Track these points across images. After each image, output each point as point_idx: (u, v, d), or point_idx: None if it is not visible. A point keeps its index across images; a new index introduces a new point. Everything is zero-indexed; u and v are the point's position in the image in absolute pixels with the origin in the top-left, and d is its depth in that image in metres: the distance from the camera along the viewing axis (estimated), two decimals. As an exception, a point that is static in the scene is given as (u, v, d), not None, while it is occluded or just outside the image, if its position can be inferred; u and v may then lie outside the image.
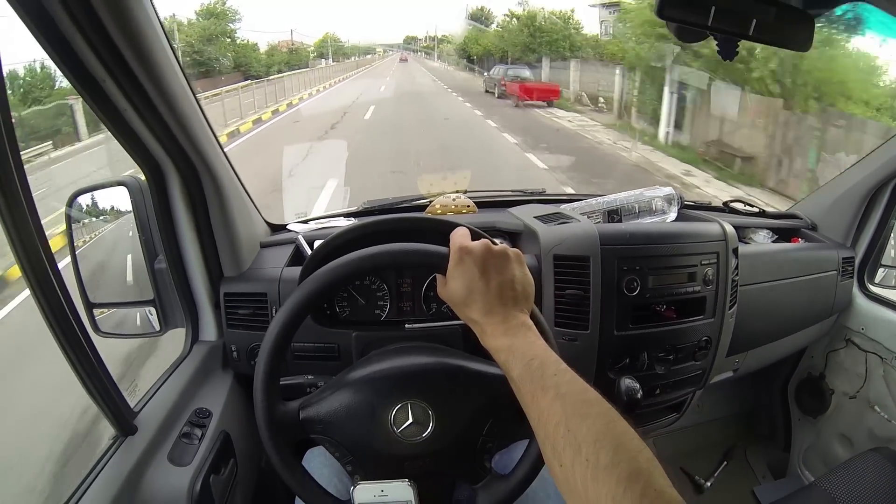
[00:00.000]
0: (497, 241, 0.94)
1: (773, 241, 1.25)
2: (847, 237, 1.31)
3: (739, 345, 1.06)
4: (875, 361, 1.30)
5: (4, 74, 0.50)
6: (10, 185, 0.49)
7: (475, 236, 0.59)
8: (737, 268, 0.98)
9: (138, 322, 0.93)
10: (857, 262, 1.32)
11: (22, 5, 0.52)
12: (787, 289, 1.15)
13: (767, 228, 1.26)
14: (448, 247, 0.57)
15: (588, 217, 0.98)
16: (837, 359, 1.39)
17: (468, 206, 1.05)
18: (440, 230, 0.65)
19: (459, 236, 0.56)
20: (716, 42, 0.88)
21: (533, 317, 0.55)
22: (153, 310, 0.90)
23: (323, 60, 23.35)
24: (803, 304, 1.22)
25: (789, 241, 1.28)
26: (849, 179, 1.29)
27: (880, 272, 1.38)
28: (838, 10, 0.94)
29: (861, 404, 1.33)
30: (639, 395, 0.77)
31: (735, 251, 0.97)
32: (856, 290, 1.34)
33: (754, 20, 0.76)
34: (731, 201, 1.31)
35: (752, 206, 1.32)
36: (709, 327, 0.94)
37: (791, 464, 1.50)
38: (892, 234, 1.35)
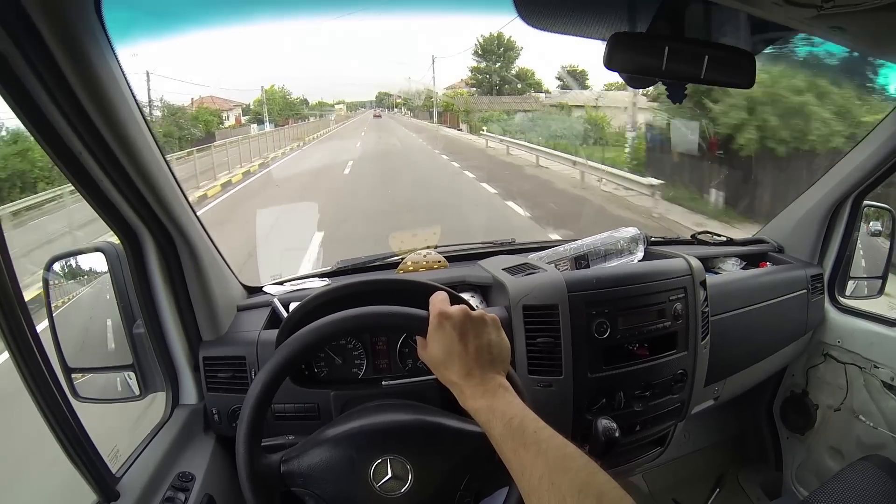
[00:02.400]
0: (467, 294, 0.97)
1: (743, 268, 1.29)
2: (813, 255, 1.36)
3: (717, 373, 1.08)
4: (854, 372, 1.33)
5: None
6: None
7: (453, 300, 0.63)
8: (706, 299, 1.00)
9: (118, 387, 0.93)
10: (825, 277, 1.36)
11: (5, 86, 0.54)
12: (759, 313, 1.18)
13: (736, 256, 1.30)
14: (426, 309, 0.60)
15: (555, 265, 1.01)
16: (818, 374, 1.42)
17: (439, 262, 1.07)
18: (414, 292, 0.69)
19: (439, 301, 0.60)
20: (665, 87, 0.94)
21: (509, 377, 0.58)
22: (132, 374, 0.90)
23: (254, 127, 15.23)
24: (777, 326, 1.25)
25: (758, 266, 1.32)
26: (809, 199, 1.35)
27: (850, 284, 1.42)
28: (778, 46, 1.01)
29: (846, 415, 1.35)
30: (616, 435, 0.79)
31: (703, 283, 1.00)
32: (828, 305, 1.38)
33: (699, 64, 0.82)
34: (699, 233, 1.36)
35: (720, 235, 1.36)
36: (683, 360, 0.96)
37: (785, 483, 1.50)
38: (857, 247, 1.40)
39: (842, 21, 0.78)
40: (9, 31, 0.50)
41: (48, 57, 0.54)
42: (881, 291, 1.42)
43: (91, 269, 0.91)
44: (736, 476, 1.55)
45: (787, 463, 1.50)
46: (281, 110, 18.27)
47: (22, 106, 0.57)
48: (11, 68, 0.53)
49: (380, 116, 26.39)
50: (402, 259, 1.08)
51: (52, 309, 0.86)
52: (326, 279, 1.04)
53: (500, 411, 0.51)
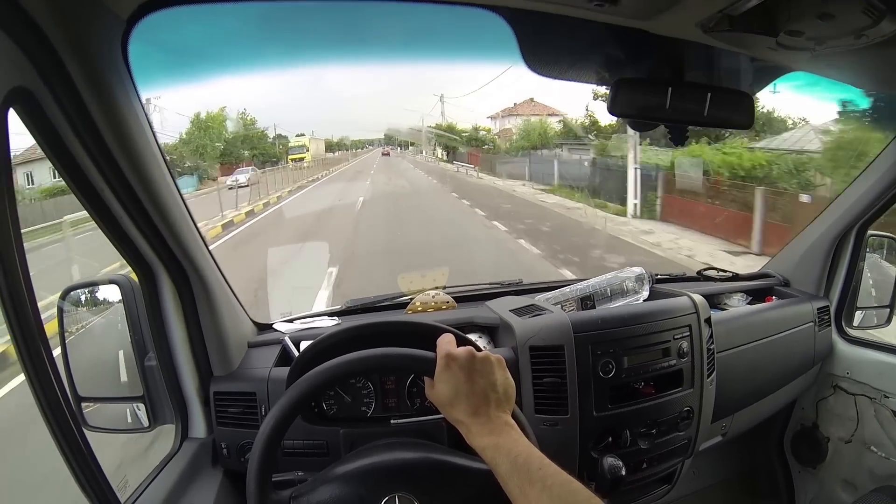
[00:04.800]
0: (475, 335, 0.98)
1: (749, 303, 1.29)
2: (819, 287, 1.36)
3: (724, 409, 1.08)
4: (864, 403, 1.32)
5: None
6: (12, 276, 0.52)
7: (460, 341, 0.65)
8: (711, 336, 1.01)
9: (127, 417, 0.94)
10: (832, 309, 1.36)
11: (33, 122, 0.58)
12: (765, 348, 1.17)
13: (741, 291, 1.31)
14: (433, 350, 0.62)
15: (562, 306, 1.03)
16: (827, 406, 1.40)
17: (447, 303, 1.09)
18: (423, 333, 0.70)
19: (446, 343, 0.62)
20: (667, 129, 0.96)
21: (514, 416, 0.59)
22: (142, 406, 0.91)
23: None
24: (784, 360, 1.25)
25: (763, 301, 1.32)
26: (813, 232, 1.36)
27: (857, 315, 1.41)
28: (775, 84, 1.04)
29: (858, 447, 1.33)
30: (622, 473, 0.79)
31: (708, 321, 1.01)
32: (835, 336, 1.37)
33: (700, 106, 0.85)
34: (705, 269, 1.37)
35: (725, 271, 1.37)
36: (689, 398, 0.96)
37: None
38: (863, 277, 1.40)
39: (837, 60, 0.81)
40: (39, 70, 0.53)
41: (75, 95, 0.57)
42: (889, 320, 1.42)
43: (105, 300, 0.93)
44: None
45: (799, 498, 1.47)
46: (229, 148, 10.94)
47: (48, 141, 0.60)
48: (40, 105, 0.56)
49: (388, 154, 21.45)
50: (411, 299, 1.10)
51: (66, 337, 0.88)
52: (336, 318, 1.05)
53: (507, 449, 0.53)
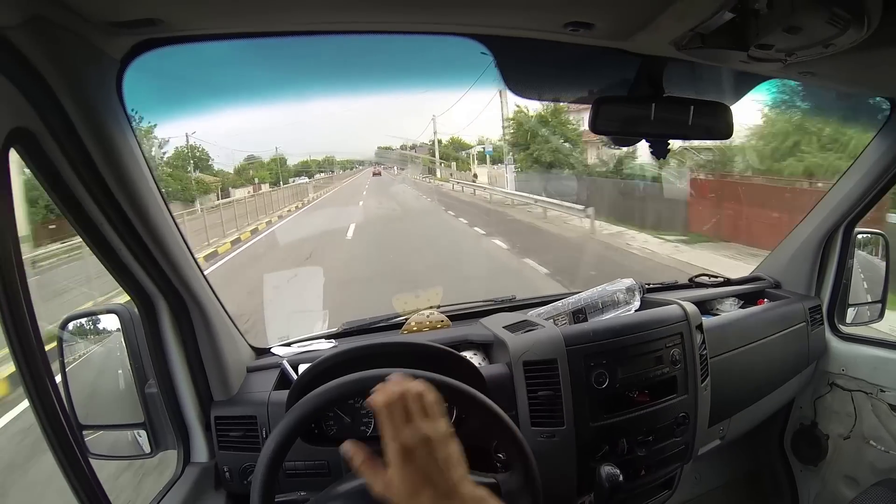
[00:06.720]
0: (469, 353, 0.99)
1: (741, 307, 1.31)
2: (810, 287, 1.38)
3: (721, 413, 1.09)
4: (861, 398, 1.33)
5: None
6: (15, 304, 0.54)
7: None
8: (703, 342, 1.02)
9: (129, 444, 0.95)
10: (824, 308, 1.38)
11: (33, 161, 0.60)
12: (759, 350, 1.19)
13: (733, 296, 1.33)
14: (433, 367, 0.63)
15: (554, 321, 1.04)
16: (825, 404, 1.41)
17: (442, 322, 1.10)
18: (417, 353, 0.72)
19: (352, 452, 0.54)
20: (648, 144, 0.98)
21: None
22: (143, 432, 0.92)
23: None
24: (779, 361, 1.26)
25: (755, 304, 1.34)
26: (801, 233, 1.38)
27: (850, 311, 1.43)
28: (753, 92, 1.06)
29: (857, 442, 1.34)
30: (620, 480, 0.80)
31: (699, 327, 1.02)
32: (829, 334, 1.39)
33: (681, 120, 0.87)
34: (696, 276, 1.39)
35: (717, 276, 1.39)
36: (684, 404, 0.98)
37: None
38: (853, 274, 1.42)
39: (809, 67, 0.84)
40: (37, 110, 0.56)
41: (72, 133, 0.59)
42: (882, 315, 1.44)
43: (104, 329, 0.94)
44: None
45: (802, 496, 1.48)
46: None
47: (47, 178, 0.62)
48: (39, 144, 0.59)
49: (379, 174, 18.02)
50: (406, 319, 1.11)
51: (66, 366, 0.89)
52: (333, 340, 1.07)
53: None
